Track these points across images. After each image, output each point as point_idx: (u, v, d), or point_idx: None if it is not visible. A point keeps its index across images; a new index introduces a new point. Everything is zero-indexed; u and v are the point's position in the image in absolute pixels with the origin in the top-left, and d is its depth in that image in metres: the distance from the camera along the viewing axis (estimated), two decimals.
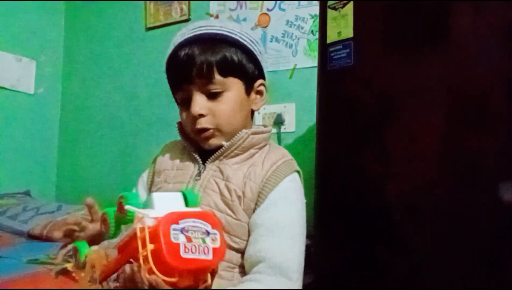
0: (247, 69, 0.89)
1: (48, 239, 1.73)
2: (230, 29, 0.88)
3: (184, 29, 0.90)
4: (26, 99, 2.52)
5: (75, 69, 2.67)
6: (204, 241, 0.62)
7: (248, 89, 0.90)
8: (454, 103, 0.94)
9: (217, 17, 2.09)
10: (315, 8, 1.59)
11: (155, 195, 0.67)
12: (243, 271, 0.83)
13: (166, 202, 0.66)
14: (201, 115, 0.84)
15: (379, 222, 1.02)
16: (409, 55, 0.99)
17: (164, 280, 0.58)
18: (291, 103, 1.85)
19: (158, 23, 2.30)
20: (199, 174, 0.87)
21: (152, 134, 2.25)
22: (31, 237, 1.79)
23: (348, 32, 1.06)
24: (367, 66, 1.04)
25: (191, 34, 0.87)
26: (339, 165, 1.10)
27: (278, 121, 1.85)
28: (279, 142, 1.84)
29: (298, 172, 0.90)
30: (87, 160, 2.54)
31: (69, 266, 1.36)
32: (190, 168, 0.89)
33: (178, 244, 0.59)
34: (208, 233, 0.63)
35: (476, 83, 0.92)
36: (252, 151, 0.88)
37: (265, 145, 0.91)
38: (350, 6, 1.06)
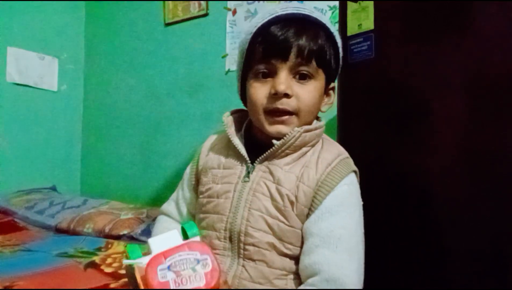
0: (332, 68, 0.85)
1: (75, 232, 1.77)
2: (327, 21, 0.84)
3: (276, 7, 0.83)
4: (50, 96, 2.57)
5: (97, 65, 2.70)
6: (194, 270, 0.64)
7: (326, 87, 0.85)
8: (477, 92, 0.93)
9: (235, 11, 2.09)
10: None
11: (150, 241, 0.70)
12: (297, 278, 0.79)
13: (163, 244, 0.68)
14: (286, 95, 0.77)
15: (402, 215, 1.02)
16: (431, 46, 0.99)
17: None
18: None
19: (176, 19, 2.31)
20: (247, 175, 0.82)
21: (172, 129, 2.28)
22: (59, 231, 1.83)
23: (369, 24, 1.06)
24: (388, 58, 1.04)
25: (295, 11, 0.81)
26: (360, 158, 1.10)
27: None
28: None
29: (355, 172, 0.84)
30: (110, 155, 2.59)
31: (96, 259, 1.40)
32: (237, 167, 0.84)
33: (167, 282, 0.63)
34: (197, 260, 0.65)
35: (499, 72, 0.91)
36: (304, 149, 0.82)
37: (317, 142, 0.84)
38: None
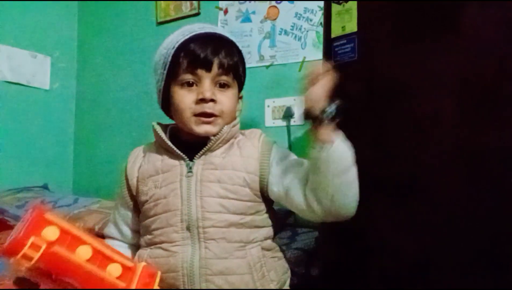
0: (242, 80, 1.02)
1: None
2: (235, 40, 1.01)
3: (194, 26, 0.98)
4: (42, 94, 2.57)
5: (89, 64, 2.71)
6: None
7: (237, 95, 1.01)
8: (463, 95, 0.93)
9: (226, 11, 2.10)
10: None
11: None
12: (254, 247, 0.91)
13: None
14: (212, 100, 0.91)
15: (388, 214, 1.02)
16: (415, 48, 0.98)
17: None
18: (301, 96, 1.86)
19: (168, 18, 2.32)
20: (190, 170, 0.92)
21: None
22: None
23: (352, 26, 1.06)
24: (371, 60, 1.04)
25: (212, 31, 0.98)
26: None
27: (288, 114, 1.86)
28: (289, 135, 1.86)
29: (275, 142, 1.03)
30: (102, 154, 2.60)
31: None
32: (176, 167, 0.94)
33: None
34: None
35: (490, 73, 0.91)
36: (231, 140, 0.98)
37: (237, 134, 1.01)
38: (354, 1, 1.06)
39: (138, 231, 1.02)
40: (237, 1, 2.08)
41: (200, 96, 0.91)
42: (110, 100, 2.58)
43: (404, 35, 1.01)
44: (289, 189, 0.91)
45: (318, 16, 1.85)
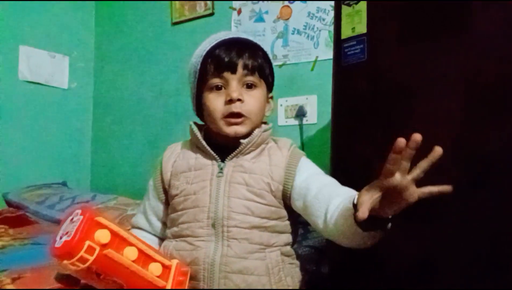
0: (269, 80, 1.04)
1: None
2: (261, 44, 1.04)
3: (220, 34, 1.01)
4: (60, 93, 2.63)
5: (106, 64, 2.76)
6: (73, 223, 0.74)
7: (266, 95, 1.03)
8: (471, 95, 0.93)
9: (239, 11, 2.13)
10: None
11: None
12: (273, 251, 0.94)
13: None
14: (239, 100, 0.94)
15: (396, 215, 1.03)
16: (422, 49, 0.99)
17: None
18: (313, 95, 1.87)
19: (183, 18, 2.36)
20: (221, 171, 0.96)
21: (179, 126, 2.31)
22: None
23: (361, 28, 1.08)
24: (380, 61, 1.05)
25: (235, 36, 1.02)
26: (355, 159, 1.12)
27: (300, 113, 1.88)
28: (301, 134, 1.87)
29: (304, 155, 1.03)
30: (119, 151, 2.65)
31: None
32: (208, 167, 0.98)
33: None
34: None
35: (496, 72, 0.91)
36: (262, 146, 1.00)
37: (268, 141, 1.03)
38: (363, 2, 1.07)
39: (166, 224, 1.05)
40: (250, 1, 2.10)
41: (228, 98, 0.94)
42: (126, 98, 2.63)
43: (412, 36, 1.02)
44: (309, 207, 0.92)
45: (331, 16, 1.86)
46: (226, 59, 0.95)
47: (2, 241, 1.60)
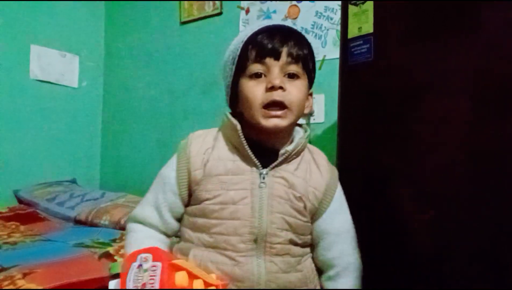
0: (312, 75, 0.97)
1: (92, 224, 1.84)
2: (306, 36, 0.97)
3: (261, 23, 0.95)
4: (71, 92, 2.66)
5: (116, 63, 2.78)
6: (145, 271, 0.73)
7: (307, 91, 0.95)
8: (479, 94, 0.93)
9: (247, 10, 2.13)
10: None
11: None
12: (308, 259, 0.95)
13: None
14: (281, 88, 0.86)
15: (402, 214, 1.04)
16: (429, 47, 0.99)
17: None
18: (320, 94, 1.87)
19: (192, 17, 2.37)
20: (263, 181, 0.89)
21: (187, 124, 2.34)
22: (77, 222, 1.91)
23: (368, 27, 1.08)
24: (387, 61, 1.06)
25: (279, 24, 0.93)
26: (361, 158, 1.12)
27: (307, 112, 1.88)
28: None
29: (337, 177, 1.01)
30: (128, 149, 2.66)
31: (111, 249, 1.47)
32: (248, 173, 0.90)
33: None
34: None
35: (503, 71, 0.91)
36: (302, 153, 0.95)
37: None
38: (370, 2, 1.08)
39: (179, 220, 0.96)
40: (258, 1, 2.10)
41: (269, 85, 0.86)
42: (135, 97, 2.65)
43: (418, 35, 1.02)
44: (318, 245, 0.96)
45: (339, 15, 1.85)
46: (269, 45, 0.87)
47: (14, 237, 1.62)
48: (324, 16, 1.92)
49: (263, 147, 0.91)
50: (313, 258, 0.97)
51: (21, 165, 2.40)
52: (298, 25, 1.98)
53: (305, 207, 0.91)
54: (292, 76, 0.89)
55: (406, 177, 1.03)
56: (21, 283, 1.14)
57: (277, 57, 0.87)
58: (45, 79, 2.52)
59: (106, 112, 2.83)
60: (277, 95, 0.86)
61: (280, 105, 0.87)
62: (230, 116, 0.92)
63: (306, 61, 0.91)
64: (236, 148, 0.92)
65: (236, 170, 0.89)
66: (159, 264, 0.72)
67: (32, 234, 1.70)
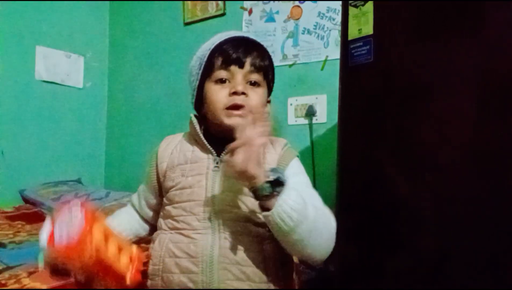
0: (271, 85, 1.07)
1: None
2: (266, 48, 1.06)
3: (228, 32, 1.03)
4: (76, 93, 2.68)
5: (120, 63, 2.80)
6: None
7: (267, 97, 1.05)
8: (482, 95, 0.93)
9: (250, 11, 2.14)
10: None
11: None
12: (270, 243, 0.95)
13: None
14: (243, 93, 0.96)
15: (402, 214, 1.04)
16: (429, 48, 0.99)
17: None
18: (323, 95, 1.88)
19: (195, 18, 2.39)
20: (216, 165, 0.98)
21: None
22: None
23: (368, 29, 1.09)
24: (387, 62, 1.06)
25: (244, 35, 1.03)
26: (363, 158, 1.12)
27: (310, 113, 1.89)
28: (311, 133, 1.88)
29: (298, 156, 1.06)
30: (132, 149, 2.68)
31: None
32: (204, 160, 1.00)
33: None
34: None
35: (502, 73, 0.91)
36: None
37: None
38: (370, 4, 1.08)
39: (156, 212, 1.09)
40: (261, 1, 2.12)
41: (233, 90, 0.95)
42: (140, 98, 2.67)
43: (419, 37, 1.02)
44: None
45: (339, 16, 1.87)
46: (234, 55, 0.97)
47: (19, 236, 1.64)
48: (326, 16, 1.93)
49: (224, 141, 0.96)
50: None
51: (26, 165, 2.42)
52: (300, 26, 2.00)
53: None
54: (253, 83, 0.99)
55: (406, 178, 1.04)
56: (26, 281, 1.15)
57: (241, 65, 0.97)
58: (51, 80, 2.54)
59: (110, 112, 2.85)
60: (239, 100, 0.95)
61: (242, 106, 0.96)
62: (191, 115, 1.03)
63: (267, 71, 1.01)
64: (195, 141, 1.03)
65: (194, 158, 1.00)
66: (82, 213, 0.77)
67: (38, 233, 1.71)
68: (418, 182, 1.01)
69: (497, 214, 0.91)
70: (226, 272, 0.91)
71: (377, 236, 1.08)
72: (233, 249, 0.92)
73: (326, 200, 1.01)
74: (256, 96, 0.98)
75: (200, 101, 1.03)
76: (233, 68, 0.97)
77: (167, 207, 1.00)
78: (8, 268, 1.22)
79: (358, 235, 1.12)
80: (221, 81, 0.98)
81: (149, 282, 0.97)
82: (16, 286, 1.13)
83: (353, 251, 1.13)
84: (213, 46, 0.99)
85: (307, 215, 0.84)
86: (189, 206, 0.96)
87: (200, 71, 1.00)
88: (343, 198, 1.15)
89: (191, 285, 0.91)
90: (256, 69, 0.98)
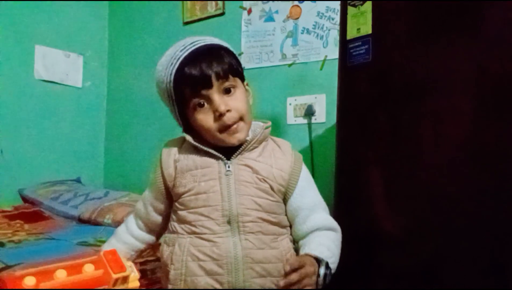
0: (241, 71, 1.03)
1: (95, 223, 1.86)
2: (220, 40, 1.03)
3: (180, 45, 1.00)
4: (75, 92, 2.68)
5: (119, 63, 2.80)
6: None
7: (244, 87, 1.03)
8: (480, 94, 0.94)
9: (250, 10, 2.15)
10: None
11: None
12: (285, 238, 1.00)
13: None
14: (228, 111, 0.94)
15: (403, 211, 1.05)
16: (428, 48, 1.00)
17: None
18: (322, 94, 1.88)
19: (195, 18, 2.39)
20: (228, 169, 0.98)
21: None
22: (81, 221, 1.93)
23: (367, 28, 1.09)
24: (385, 62, 1.06)
25: (193, 48, 0.97)
26: (362, 158, 1.13)
27: (309, 112, 1.89)
28: (310, 133, 1.89)
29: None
30: (132, 148, 2.68)
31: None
32: (214, 165, 0.99)
33: None
34: None
35: (504, 70, 0.92)
36: (263, 143, 1.02)
37: (268, 137, 1.05)
38: (369, 3, 1.09)
39: (164, 216, 1.08)
40: (260, 1, 2.12)
41: (217, 113, 0.94)
42: (139, 97, 2.66)
43: (417, 37, 1.02)
44: (295, 220, 1.02)
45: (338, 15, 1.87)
46: (198, 76, 0.93)
47: (18, 236, 1.64)
48: (325, 16, 1.93)
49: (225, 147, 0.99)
50: (295, 242, 1.03)
51: (25, 164, 2.42)
52: (299, 25, 2.00)
53: (272, 188, 0.98)
54: (228, 90, 0.96)
55: (406, 178, 1.04)
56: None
57: (210, 85, 0.94)
58: (50, 79, 2.54)
59: (109, 112, 2.85)
60: (228, 120, 0.94)
61: (234, 122, 0.95)
62: (186, 136, 1.01)
63: (232, 68, 0.98)
64: (196, 150, 1.01)
65: (204, 163, 0.99)
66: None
67: (36, 232, 1.72)
68: (418, 182, 1.02)
69: (494, 212, 0.91)
70: (251, 271, 0.94)
71: (377, 236, 1.08)
72: (255, 248, 0.95)
73: (325, 200, 1.04)
74: (237, 102, 0.97)
75: (189, 125, 1.02)
76: (205, 91, 0.94)
77: (181, 212, 1.00)
78: (7, 267, 1.22)
79: (356, 235, 1.13)
80: (200, 105, 0.95)
81: (170, 287, 0.98)
82: None
83: (351, 251, 1.14)
84: (172, 77, 0.96)
85: (337, 257, 0.97)
86: (206, 211, 0.96)
87: (174, 103, 0.99)
88: (342, 198, 1.16)
89: (218, 286, 0.94)
90: (224, 76, 0.95)
